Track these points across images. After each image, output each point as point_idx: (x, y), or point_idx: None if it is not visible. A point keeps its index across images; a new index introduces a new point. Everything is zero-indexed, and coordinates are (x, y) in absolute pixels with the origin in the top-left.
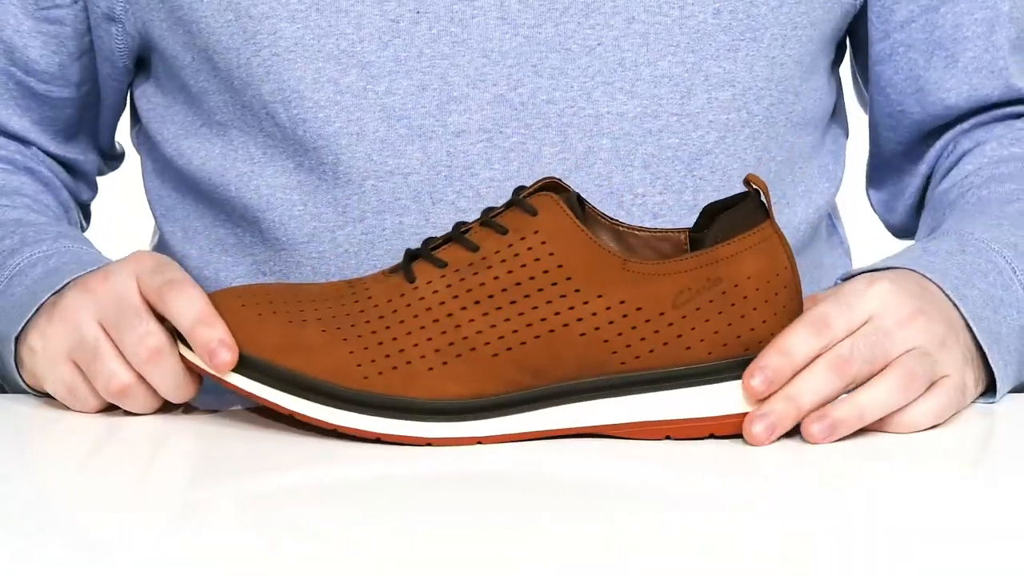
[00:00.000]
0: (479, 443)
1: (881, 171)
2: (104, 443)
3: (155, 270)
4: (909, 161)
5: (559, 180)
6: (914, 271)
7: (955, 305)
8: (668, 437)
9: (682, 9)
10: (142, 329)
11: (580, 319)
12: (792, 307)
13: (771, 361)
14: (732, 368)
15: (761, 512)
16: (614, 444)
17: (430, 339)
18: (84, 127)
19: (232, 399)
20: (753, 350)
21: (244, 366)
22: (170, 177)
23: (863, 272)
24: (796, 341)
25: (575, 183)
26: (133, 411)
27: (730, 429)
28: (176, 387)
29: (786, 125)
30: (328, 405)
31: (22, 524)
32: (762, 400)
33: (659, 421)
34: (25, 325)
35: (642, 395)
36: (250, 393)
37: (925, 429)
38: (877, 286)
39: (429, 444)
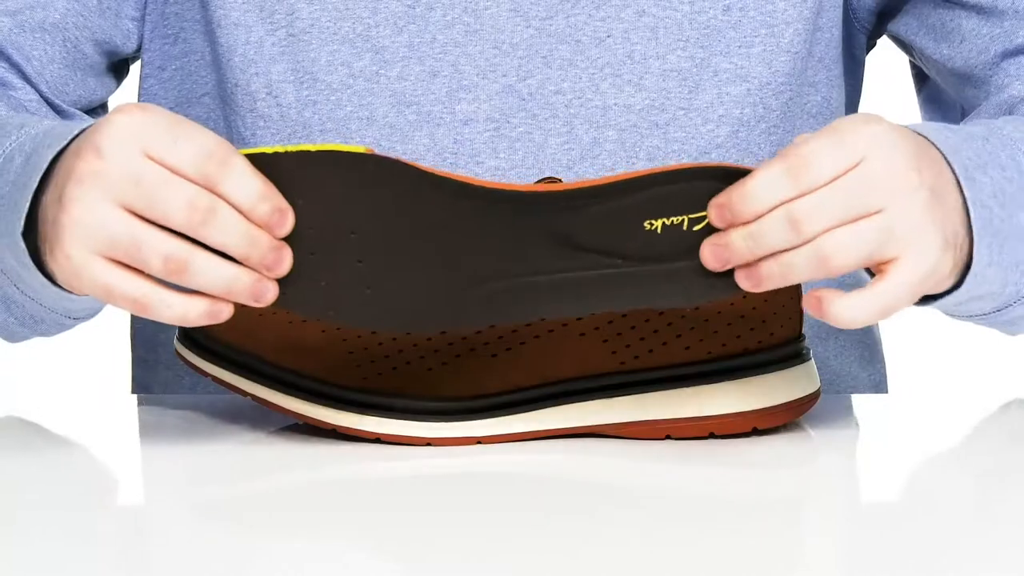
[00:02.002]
0: (479, 443)
1: None
2: (100, 443)
3: (171, 132)
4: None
5: (559, 179)
6: (927, 138)
7: (959, 187)
8: (668, 437)
9: (692, 4)
10: (181, 193)
11: (579, 319)
12: (791, 306)
13: (733, 200)
14: (731, 367)
15: (762, 512)
16: (614, 444)
17: (429, 339)
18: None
19: (230, 398)
20: (752, 349)
21: (244, 367)
22: None
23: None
24: (767, 183)
25: (580, 173)
26: (205, 290)
27: (730, 429)
28: (248, 235)
29: (802, 117)
30: (328, 405)
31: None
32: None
33: (659, 421)
34: (30, 220)
35: (642, 395)
36: (250, 394)
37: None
38: (876, 127)
39: (429, 444)
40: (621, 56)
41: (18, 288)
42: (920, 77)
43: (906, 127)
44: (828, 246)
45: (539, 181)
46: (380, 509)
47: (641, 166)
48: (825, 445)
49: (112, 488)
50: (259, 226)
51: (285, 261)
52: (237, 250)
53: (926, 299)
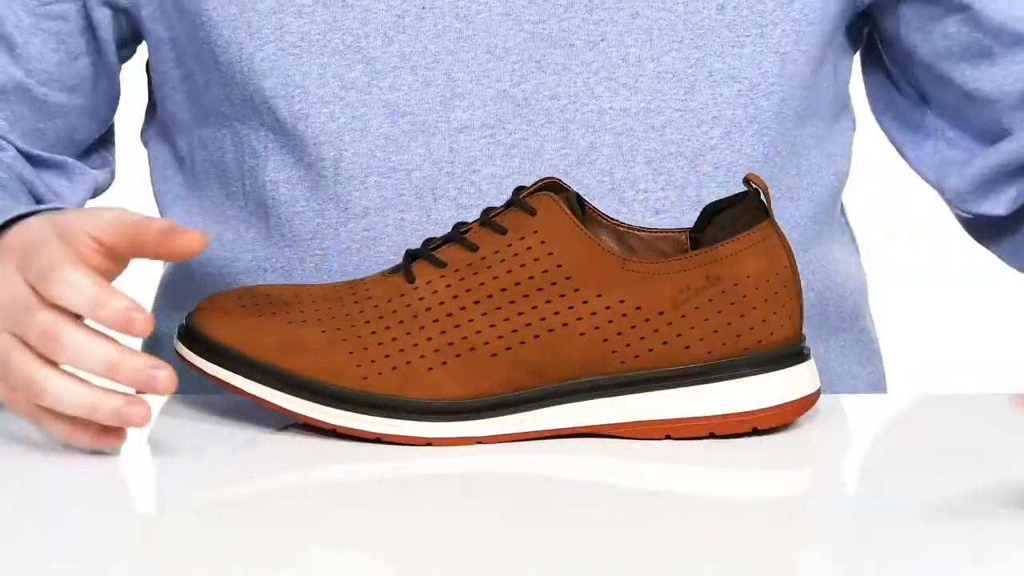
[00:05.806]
0: (479, 443)
1: (956, 141)
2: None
3: (26, 256)
4: (991, 138)
5: (559, 180)
6: None
7: None
8: (668, 437)
9: (686, 5)
10: (34, 321)
11: (579, 319)
12: (791, 306)
13: None
14: (731, 367)
15: (761, 512)
16: (614, 444)
17: (430, 339)
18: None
19: (230, 398)
20: (752, 349)
21: (244, 367)
22: (186, 166)
23: None
24: None
25: (577, 178)
26: (69, 413)
27: (730, 428)
28: (90, 355)
29: (793, 119)
30: (328, 405)
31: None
32: None
33: (659, 421)
34: None
35: (642, 395)
36: (250, 394)
37: None
38: None
39: (429, 444)
40: (616, 59)
41: None
42: (872, 67)
43: None
44: None
45: (539, 181)
46: (380, 509)
47: (639, 170)
48: (825, 445)
49: (111, 487)
50: (116, 328)
51: (136, 410)
52: (93, 370)
53: None
